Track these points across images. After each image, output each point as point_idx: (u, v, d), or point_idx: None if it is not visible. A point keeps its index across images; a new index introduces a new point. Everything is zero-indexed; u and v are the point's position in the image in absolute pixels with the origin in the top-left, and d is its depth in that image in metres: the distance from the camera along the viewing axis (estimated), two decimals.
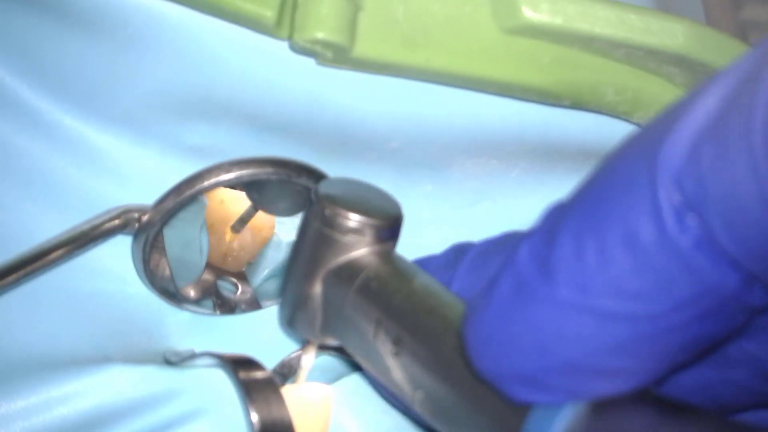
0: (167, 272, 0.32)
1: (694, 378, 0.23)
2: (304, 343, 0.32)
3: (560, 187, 0.35)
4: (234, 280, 0.34)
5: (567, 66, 0.31)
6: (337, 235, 0.26)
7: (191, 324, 0.34)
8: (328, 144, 0.33)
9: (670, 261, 0.17)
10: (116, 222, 0.30)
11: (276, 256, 0.35)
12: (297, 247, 0.28)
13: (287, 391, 0.32)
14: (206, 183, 0.30)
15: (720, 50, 0.30)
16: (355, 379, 0.34)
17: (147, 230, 0.30)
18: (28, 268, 0.29)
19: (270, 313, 0.35)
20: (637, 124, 0.33)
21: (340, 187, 0.27)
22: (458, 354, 0.23)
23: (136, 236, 0.31)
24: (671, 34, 0.29)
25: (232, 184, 0.31)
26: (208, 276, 0.34)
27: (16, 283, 0.29)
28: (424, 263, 0.28)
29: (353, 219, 0.26)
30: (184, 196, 0.30)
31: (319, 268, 0.27)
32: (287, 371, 0.33)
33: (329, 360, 0.34)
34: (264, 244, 0.34)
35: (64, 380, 0.31)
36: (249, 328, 0.35)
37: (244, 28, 0.29)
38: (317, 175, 0.31)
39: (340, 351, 0.30)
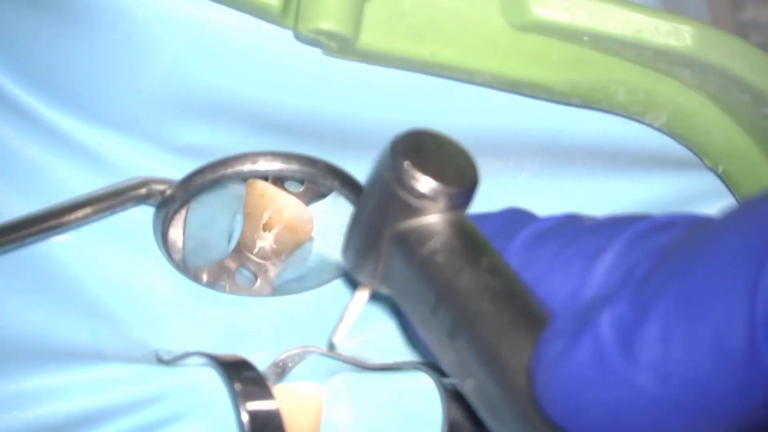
0: (184, 246, 0.35)
1: None
2: (358, 285, 0.32)
3: (570, 192, 0.37)
4: (254, 270, 0.37)
5: (577, 64, 0.33)
6: (409, 197, 0.26)
7: (188, 320, 0.36)
8: (330, 141, 0.35)
9: (756, 372, 0.19)
10: (141, 191, 0.33)
11: (303, 263, 0.37)
12: (367, 193, 0.28)
13: (279, 390, 0.33)
14: (229, 170, 0.32)
15: (728, 53, 0.31)
16: (346, 378, 0.36)
17: (168, 205, 0.33)
18: (52, 223, 0.32)
19: (265, 312, 0.37)
20: (650, 125, 0.35)
21: (418, 142, 0.27)
22: (518, 357, 0.23)
23: (158, 208, 0.33)
24: (680, 35, 0.31)
25: (254, 176, 0.33)
26: (230, 262, 0.36)
27: (38, 236, 0.32)
28: (478, 223, 0.28)
29: (427, 184, 0.26)
30: (206, 179, 0.32)
31: (386, 224, 0.27)
32: (280, 371, 0.35)
33: (321, 359, 0.36)
34: (297, 246, 0.36)
35: (57, 371, 0.33)
36: (243, 326, 0.37)
37: (245, 26, 0.32)
38: (343, 177, 0.33)
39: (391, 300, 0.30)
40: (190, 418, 0.35)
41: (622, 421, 0.21)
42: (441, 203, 0.26)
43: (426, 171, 0.26)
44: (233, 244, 0.36)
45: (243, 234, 0.36)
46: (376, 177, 0.27)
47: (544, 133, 0.36)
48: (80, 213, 0.32)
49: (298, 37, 0.32)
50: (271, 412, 0.33)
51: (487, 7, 0.32)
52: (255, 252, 0.36)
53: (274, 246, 0.36)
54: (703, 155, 0.36)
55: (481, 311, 0.25)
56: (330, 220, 0.37)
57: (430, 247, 0.26)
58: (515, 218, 0.28)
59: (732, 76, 0.32)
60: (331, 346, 0.34)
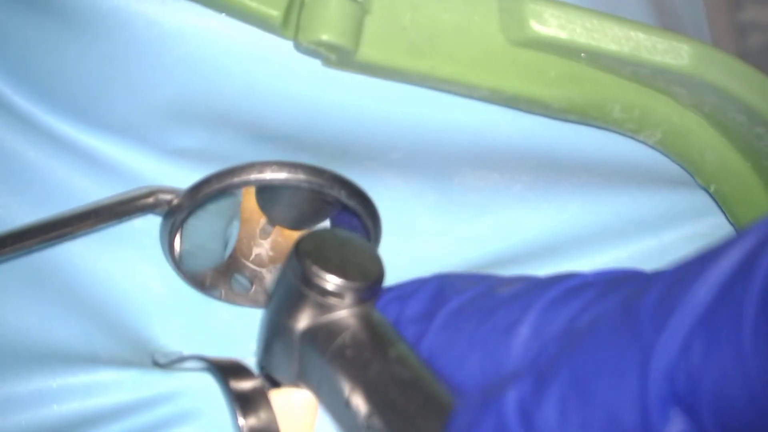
0: (181, 251, 0.35)
1: None
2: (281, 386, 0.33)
3: (563, 204, 0.38)
4: (250, 277, 0.37)
5: (574, 80, 0.34)
6: (316, 296, 0.28)
7: (184, 324, 0.37)
8: (328, 153, 0.36)
9: None
10: (149, 200, 0.34)
11: None
12: (276, 296, 0.30)
13: (274, 395, 0.34)
14: (236, 179, 0.33)
15: (725, 72, 0.32)
16: None
17: (176, 214, 0.34)
18: (59, 232, 0.32)
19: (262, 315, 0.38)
20: (644, 143, 0.36)
21: (321, 242, 0.29)
22: None
23: (165, 217, 0.34)
24: (677, 53, 0.32)
25: (261, 186, 0.34)
26: (227, 267, 0.37)
27: (45, 245, 0.33)
28: (401, 304, 0.30)
29: (332, 282, 0.28)
30: (213, 189, 0.33)
31: (296, 323, 0.29)
32: None
33: None
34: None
35: (51, 374, 0.34)
36: (240, 329, 0.37)
37: (245, 36, 0.32)
38: (350, 188, 0.33)
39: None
40: (185, 422, 0.35)
41: None
42: (348, 299, 0.28)
43: (330, 269, 0.28)
44: (229, 250, 0.37)
45: (239, 240, 0.37)
46: (282, 278, 0.29)
47: (540, 147, 0.37)
48: (88, 222, 0.33)
49: (298, 48, 0.33)
50: (268, 417, 0.33)
51: (486, 23, 0.33)
52: (251, 259, 0.37)
53: (271, 253, 0.37)
54: (696, 174, 0.37)
55: (391, 401, 0.26)
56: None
57: (339, 342, 0.28)
58: (435, 295, 0.29)
59: (728, 96, 0.33)
60: None
